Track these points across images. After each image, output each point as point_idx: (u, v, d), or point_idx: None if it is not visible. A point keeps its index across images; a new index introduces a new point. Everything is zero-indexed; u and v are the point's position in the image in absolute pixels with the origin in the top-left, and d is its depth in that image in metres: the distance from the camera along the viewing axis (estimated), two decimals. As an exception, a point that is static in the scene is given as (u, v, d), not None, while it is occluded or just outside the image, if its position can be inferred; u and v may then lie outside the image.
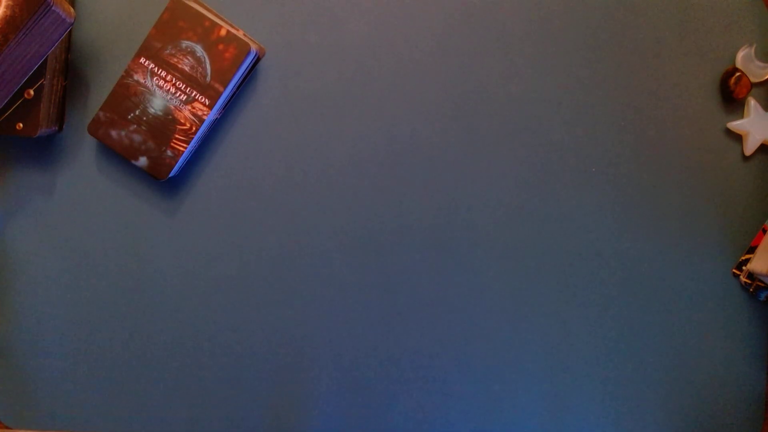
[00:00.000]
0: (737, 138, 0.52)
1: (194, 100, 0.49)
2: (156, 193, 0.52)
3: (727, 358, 0.53)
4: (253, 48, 0.49)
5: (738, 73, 0.50)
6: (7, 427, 0.53)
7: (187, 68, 0.49)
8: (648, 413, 0.53)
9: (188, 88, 0.49)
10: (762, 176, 0.52)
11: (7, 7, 0.42)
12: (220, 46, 0.48)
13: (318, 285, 0.52)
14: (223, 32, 0.48)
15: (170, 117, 0.49)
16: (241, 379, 0.52)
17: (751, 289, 0.52)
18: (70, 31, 0.51)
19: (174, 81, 0.49)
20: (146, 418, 0.52)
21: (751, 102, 0.51)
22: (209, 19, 0.48)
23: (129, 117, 0.49)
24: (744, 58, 0.51)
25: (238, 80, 0.50)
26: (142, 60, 0.48)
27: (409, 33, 0.51)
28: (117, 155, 0.51)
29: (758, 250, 0.51)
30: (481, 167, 0.52)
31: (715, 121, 0.52)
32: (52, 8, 0.43)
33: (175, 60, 0.48)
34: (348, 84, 0.51)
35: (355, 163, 0.52)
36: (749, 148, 0.52)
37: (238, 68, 0.48)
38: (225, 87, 0.49)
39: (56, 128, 0.51)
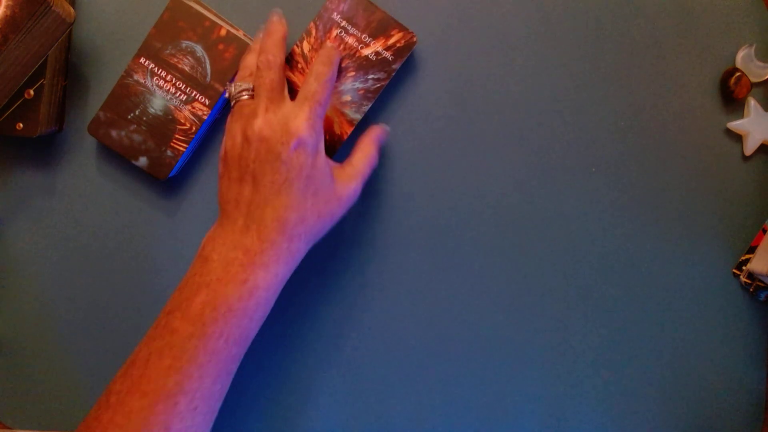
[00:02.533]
0: (737, 138, 0.52)
1: (194, 100, 0.49)
2: (156, 193, 0.52)
3: (727, 358, 0.53)
4: (253, 48, 0.49)
5: (738, 73, 0.50)
6: (7, 427, 0.53)
7: (187, 68, 0.49)
8: (648, 413, 0.53)
9: (188, 88, 0.49)
10: (762, 176, 0.52)
11: (6, 7, 0.42)
12: (220, 46, 0.48)
13: (316, 284, 0.52)
14: (223, 32, 0.48)
15: (170, 117, 0.49)
16: (240, 379, 0.52)
17: (751, 289, 0.52)
18: (70, 31, 0.51)
19: (174, 81, 0.49)
20: (146, 418, 0.52)
21: (751, 102, 0.51)
22: (209, 19, 0.48)
23: (129, 117, 0.49)
24: (744, 58, 0.51)
25: (238, 80, 0.50)
26: (142, 60, 0.49)
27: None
28: (117, 155, 0.51)
29: (758, 250, 0.51)
30: (480, 167, 0.52)
31: (715, 121, 0.52)
32: (52, 8, 0.43)
33: (175, 60, 0.48)
34: (348, 84, 0.51)
35: (355, 163, 0.52)
36: (749, 148, 0.52)
37: (238, 68, 0.48)
38: (225, 87, 0.49)
39: (56, 128, 0.51)
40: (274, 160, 0.40)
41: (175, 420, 0.38)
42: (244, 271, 0.40)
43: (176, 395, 0.38)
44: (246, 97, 0.43)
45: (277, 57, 0.43)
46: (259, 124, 0.41)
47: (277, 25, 0.45)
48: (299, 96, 0.43)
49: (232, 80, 0.47)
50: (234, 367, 0.41)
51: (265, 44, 0.44)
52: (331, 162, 0.45)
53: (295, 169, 0.40)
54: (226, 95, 0.46)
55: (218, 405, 0.41)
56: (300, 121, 0.41)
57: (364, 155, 0.47)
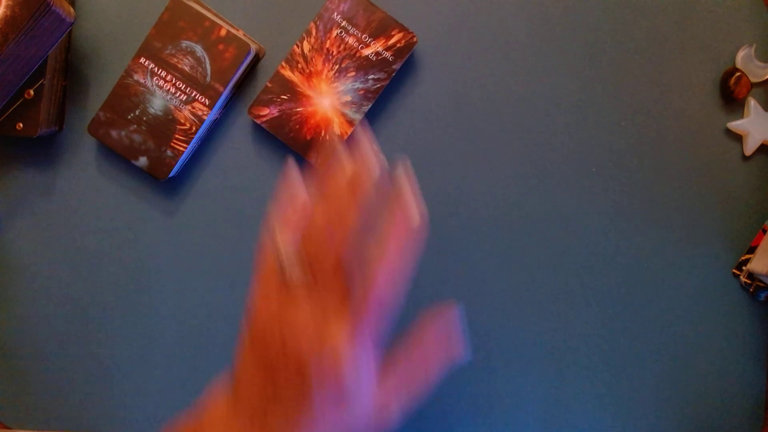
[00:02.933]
0: (737, 138, 0.52)
1: (194, 100, 0.49)
2: (156, 193, 0.52)
3: (727, 358, 0.53)
4: (253, 48, 0.49)
5: (738, 73, 0.50)
6: (7, 427, 0.53)
7: (187, 68, 0.49)
8: (647, 413, 0.53)
9: (188, 88, 0.49)
10: (762, 176, 0.52)
11: (7, 7, 0.42)
12: (220, 46, 0.48)
13: (318, 285, 0.52)
14: (223, 32, 0.48)
15: (170, 117, 0.49)
16: (241, 379, 0.52)
17: (751, 289, 0.52)
18: (70, 31, 0.51)
19: (174, 81, 0.49)
20: (146, 418, 0.52)
21: (751, 102, 0.51)
22: (209, 19, 0.48)
23: (129, 117, 0.49)
24: (744, 58, 0.51)
25: (238, 80, 0.50)
26: (142, 60, 0.49)
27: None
28: (117, 155, 0.51)
29: (758, 250, 0.51)
30: (481, 167, 0.52)
31: (715, 121, 0.52)
32: (52, 8, 0.43)
33: (175, 60, 0.48)
34: (348, 84, 0.51)
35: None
36: (749, 148, 0.52)
37: (238, 68, 0.48)
38: (225, 87, 0.49)
39: (56, 128, 0.51)
40: (302, 373, 0.32)
41: None
42: None
43: None
44: (296, 265, 0.33)
45: (351, 234, 0.32)
46: (300, 323, 0.32)
47: (372, 167, 0.33)
48: (357, 294, 0.33)
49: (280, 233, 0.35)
50: None
51: (347, 205, 0.33)
52: (378, 366, 0.34)
53: (323, 390, 0.32)
54: (271, 242, 0.34)
55: None
56: (344, 338, 0.32)
57: (424, 361, 0.35)
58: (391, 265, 0.32)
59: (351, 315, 0.32)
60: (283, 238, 0.33)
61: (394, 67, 0.48)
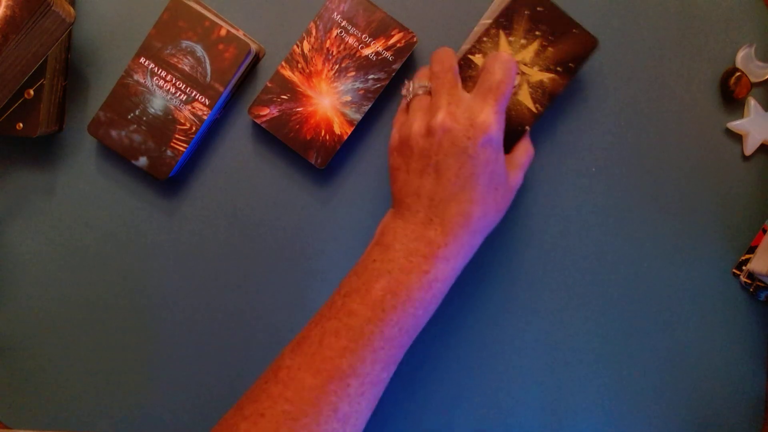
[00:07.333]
0: (737, 138, 0.52)
1: (194, 100, 0.49)
2: (156, 193, 0.52)
3: (727, 358, 0.53)
4: (253, 48, 0.49)
5: (738, 73, 0.50)
6: (7, 427, 0.53)
7: (187, 68, 0.49)
8: (647, 413, 0.53)
9: (188, 88, 0.49)
10: (762, 176, 0.52)
11: (7, 7, 0.42)
12: (220, 46, 0.48)
13: (319, 285, 0.52)
14: (223, 32, 0.48)
15: (170, 117, 0.49)
16: (242, 381, 0.52)
17: (751, 289, 0.52)
18: (70, 31, 0.51)
19: (174, 81, 0.49)
20: (146, 418, 0.52)
21: (751, 102, 0.51)
22: (209, 19, 0.48)
23: (129, 117, 0.49)
24: (744, 58, 0.51)
25: (238, 80, 0.50)
26: (142, 60, 0.49)
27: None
28: (117, 155, 0.51)
29: (758, 250, 0.51)
30: (481, 167, 0.52)
31: (715, 121, 0.52)
32: (52, 8, 0.43)
33: (175, 60, 0.48)
34: (348, 84, 0.51)
35: (354, 161, 0.52)
36: (749, 148, 0.52)
37: (238, 68, 0.48)
38: (225, 87, 0.49)
39: (56, 128, 0.51)
40: (459, 154, 0.39)
41: (344, 402, 0.37)
42: (426, 263, 0.39)
43: (349, 377, 0.37)
44: (422, 93, 0.43)
45: (452, 61, 0.43)
46: (443, 116, 0.40)
47: (446, 48, 0.45)
48: (481, 87, 0.41)
49: (409, 79, 0.46)
50: (400, 357, 0.40)
51: (437, 56, 0.44)
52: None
53: (481, 164, 0.39)
54: (403, 92, 0.45)
55: (380, 394, 0.40)
56: (487, 115, 0.40)
57: (523, 149, 0.46)
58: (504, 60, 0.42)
59: (482, 87, 0.41)
60: (413, 81, 0.45)
61: (394, 67, 0.48)
